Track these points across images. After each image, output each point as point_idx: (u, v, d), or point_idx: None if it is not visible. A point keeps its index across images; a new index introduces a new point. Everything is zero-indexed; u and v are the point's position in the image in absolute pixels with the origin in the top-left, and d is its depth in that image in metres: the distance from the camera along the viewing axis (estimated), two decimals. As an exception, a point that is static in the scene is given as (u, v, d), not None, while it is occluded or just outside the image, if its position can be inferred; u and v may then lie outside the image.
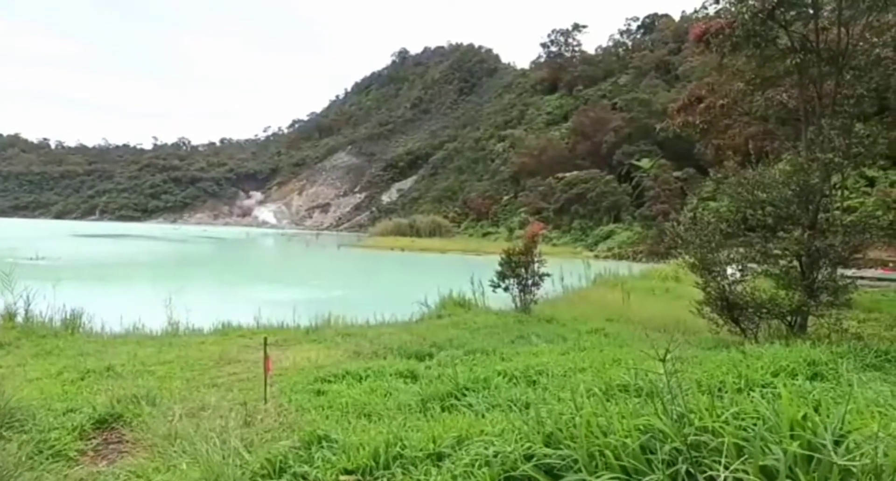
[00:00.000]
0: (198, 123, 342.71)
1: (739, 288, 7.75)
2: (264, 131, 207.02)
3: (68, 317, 9.00)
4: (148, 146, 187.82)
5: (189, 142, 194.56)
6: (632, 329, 8.98)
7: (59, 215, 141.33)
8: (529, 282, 11.08)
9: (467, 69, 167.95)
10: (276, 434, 3.26)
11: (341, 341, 7.87)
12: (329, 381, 5.05)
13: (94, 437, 3.58)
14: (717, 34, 16.73)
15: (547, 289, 12.10)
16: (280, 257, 47.72)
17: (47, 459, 3.08)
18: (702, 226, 8.20)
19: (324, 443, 2.85)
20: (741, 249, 8.13)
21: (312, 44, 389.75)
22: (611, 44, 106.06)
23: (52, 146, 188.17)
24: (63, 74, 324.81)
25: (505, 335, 8.19)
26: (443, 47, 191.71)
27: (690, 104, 22.49)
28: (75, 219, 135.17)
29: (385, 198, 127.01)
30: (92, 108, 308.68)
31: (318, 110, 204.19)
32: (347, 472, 2.57)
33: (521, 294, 11.10)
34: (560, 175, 63.73)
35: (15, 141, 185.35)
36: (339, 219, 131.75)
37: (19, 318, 8.84)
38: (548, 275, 11.42)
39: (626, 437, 1.97)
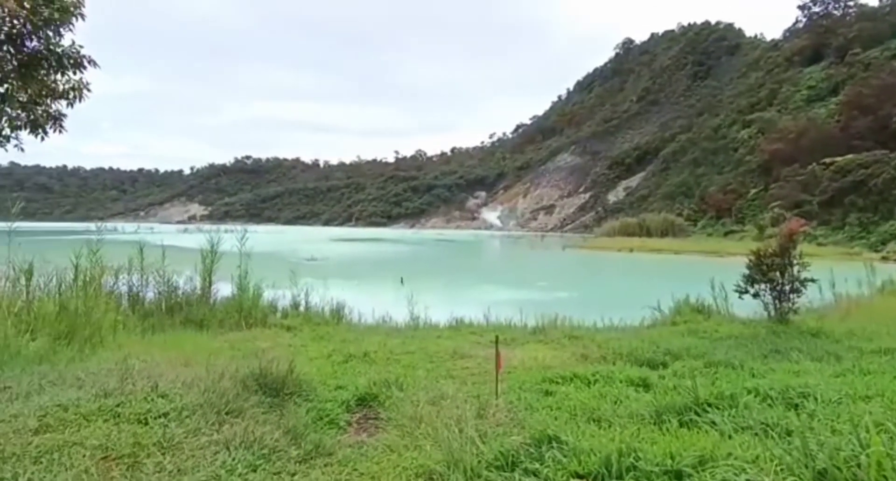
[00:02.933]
0: (431, 136, 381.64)
1: None
2: (490, 138, 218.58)
3: (335, 308, 10.75)
4: (391, 159, 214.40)
5: (425, 153, 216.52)
6: (943, 352, 6.98)
7: (326, 222, 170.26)
8: (787, 287, 9.44)
9: (702, 50, 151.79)
10: (506, 429, 3.38)
11: (568, 343, 7.80)
12: (556, 383, 5.05)
13: (356, 412, 4.21)
14: None
15: (811, 297, 10.16)
16: (506, 258, 49.67)
17: (325, 425, 3.73)
18: None
19: (554, 444, 2.86)
20: None
21: (533, 49, 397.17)
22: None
23: (321, 165, 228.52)
24: (325, 105, 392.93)
25: (755, 348, 7.12)
26: (672, 31, 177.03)
27: None
28: (337, 225, 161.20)
29: (611, 198, 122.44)
30: (348, 131, 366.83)
31: (541, 113, 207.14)
32: (578, 476, 2.53)
33: (776, 301, 9.51)
34: (828, 160, 53.07)
35: (296, 163, 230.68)
36: (564, 220, 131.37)
37: (301, 307, 10.88)
38: (811, 280, 9.56)
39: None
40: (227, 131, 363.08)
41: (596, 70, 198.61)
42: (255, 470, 2.71)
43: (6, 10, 4.56)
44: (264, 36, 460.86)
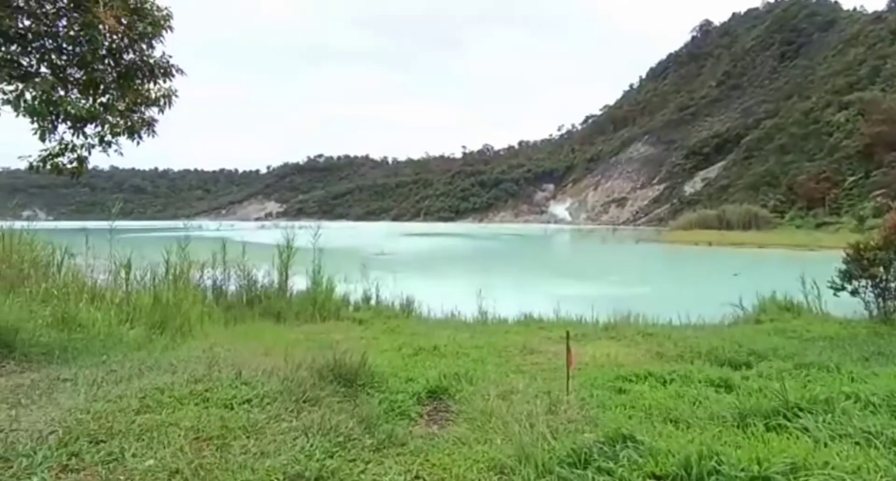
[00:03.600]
0: (499, 130, 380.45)
1: None
2: (558, 130, 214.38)
3: (404, 302, 10.95)
4: (458, 155, 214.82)
5: (492, 147, 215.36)
6: None
7: (395, 218, 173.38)
8: (892, 284, 8.63)
9: (791, 27, 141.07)
10: (578, 426, 3.31)
11: (642, 340, 7.53)
12: (630, 381, 4.89)
13: (427, 404, 4.27)
14: None
15: (922, 295, 9.23)
16: (576, 253, 48.67)
17: (397, 416, 3.81)
18: None
19: (629, 443, 2.77)
20: None
21: (601, 36, 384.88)
22: None
23: (390, 162, 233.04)
24: (393, 103, 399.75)
25: (854, 349, 6.55)
26: (756, 9, 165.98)
27: None
28: (406, 220, 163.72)
29: (687, 189, 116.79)
30: (416, 127, 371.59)
31: (612, 102, 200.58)
32: (655, 477, 2.44)
33: (879, 300, 8.71)
34: (940, 143, 47.90)
35: (365, 160, 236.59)
36: (637, 213, 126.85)
37: (372, 301, 11.18)
38: (922, 275, 8.69)
39: None
40: (300, 131, 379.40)
41: (670, 56, 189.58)
42: (331, 457, 2.81)
43: (107, 27, 4.96)
44: (330, 37, 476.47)
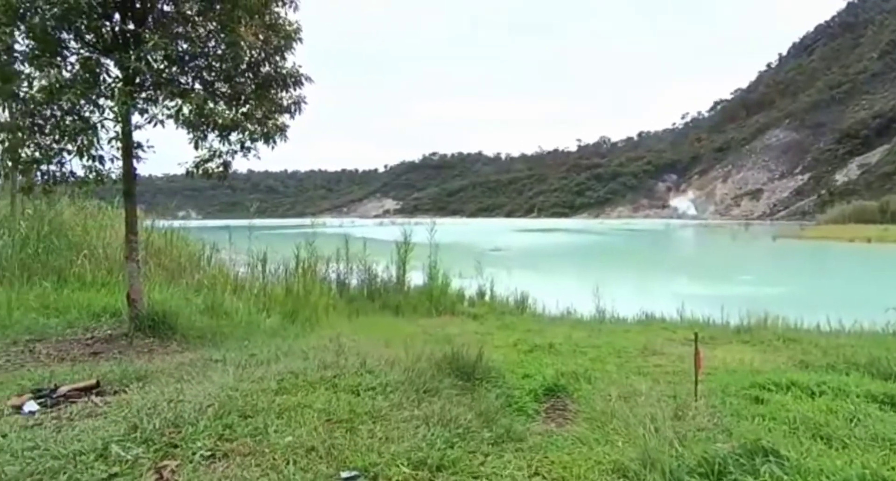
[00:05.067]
0: (616, 121, 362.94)
1: None
2: (682, 118, 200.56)
3: (519, 298, 10.90)
4: (573, 148, 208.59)
5: (609, 139, 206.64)
6: None
7: (508, 214, 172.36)
8: None
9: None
10: (709, 434, 3.08)
11: (782, 346, 6.81)
12: (769, 390, 4.43)
13: (544, 401, 4.22)
14: None
15: None
16: (702, 250, 45.24)
17: (514, 411, 3.82)
18: None
19: (770, 457, 2.52)
20: None
21: (732, 12, 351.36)
22: None
23: (503, 158, 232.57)
24: (505, 98, 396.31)
25: None
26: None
27: None
28: (519, 216, 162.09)
29: (839, 178, 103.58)
30: (529, 122, 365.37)
31: (744, 86, 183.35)
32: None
33: None
34: None
35: (479, 157, 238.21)
36: (774, 206, 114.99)
37: (487, 297, 11.25)
38: None
39: None
40: (414, 130, 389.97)
41: (818, 28, 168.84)
42: (451, 447, 2.88)
43: (247, 43, 5.50)
44: (437, 37, 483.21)
